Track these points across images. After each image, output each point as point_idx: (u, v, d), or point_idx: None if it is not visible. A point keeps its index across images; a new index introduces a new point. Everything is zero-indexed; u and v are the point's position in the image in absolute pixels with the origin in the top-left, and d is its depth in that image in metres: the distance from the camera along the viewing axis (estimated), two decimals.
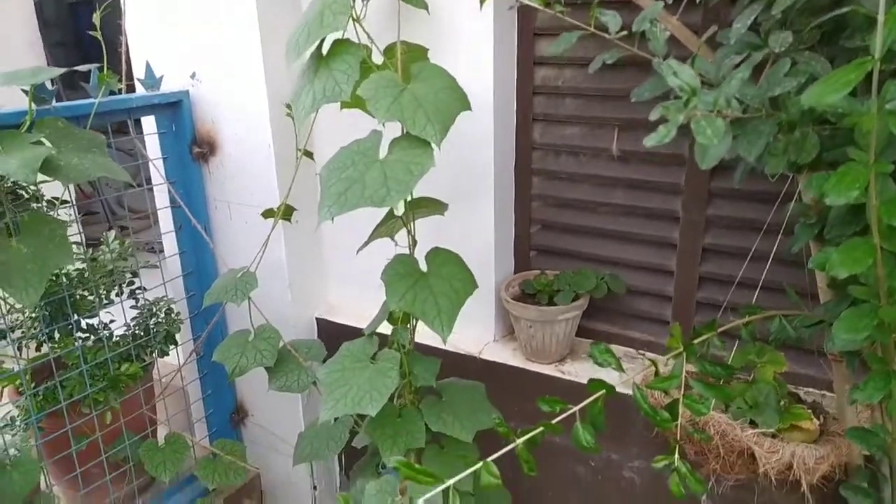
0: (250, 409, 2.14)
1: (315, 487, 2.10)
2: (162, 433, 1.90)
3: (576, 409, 1.04)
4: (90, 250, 1.84)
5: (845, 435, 1.15)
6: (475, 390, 1.57)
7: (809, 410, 1.25)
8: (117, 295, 1.84)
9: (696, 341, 1.06)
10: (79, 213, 1.85)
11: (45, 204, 1.67)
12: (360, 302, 1.98)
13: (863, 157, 0.86)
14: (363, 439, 1.58)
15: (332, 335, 1.94)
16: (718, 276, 1.56)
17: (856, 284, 0.97)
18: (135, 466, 1.83)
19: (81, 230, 1.75)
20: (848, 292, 1.10)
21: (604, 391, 1.01)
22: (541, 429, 1.01)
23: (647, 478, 1.64)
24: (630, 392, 1.59)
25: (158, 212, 1.95)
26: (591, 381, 0.99)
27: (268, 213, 1.69)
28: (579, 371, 1.68)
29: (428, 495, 0.98)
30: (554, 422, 1.00)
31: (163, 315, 1.87)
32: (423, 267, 1.37)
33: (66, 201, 1.70)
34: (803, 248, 1.28)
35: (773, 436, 1.21)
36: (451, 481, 1.00)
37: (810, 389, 1.48)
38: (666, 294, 1.66)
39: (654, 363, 1.04)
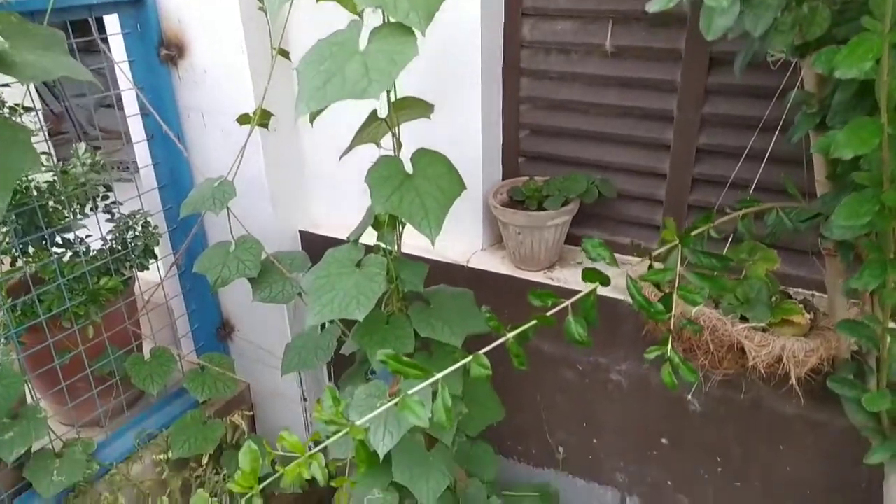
0: (236, 323, 2.12)
1: (305, 399, 2.12)
2: (148, 349, 1.89)
3: (568, 302, 1.02)
4: (60, 163, 1.76)
5: (835, 328, 1.15)
6: (464, 297, 1.55)
7: (801, 305, 1.25)
8: (92, 209, 1.78)
9: (692, 233, 1.03)
10: (50, 135, 1.76)
11: (6, 110, 1.58)
12: (344, 214, 1.92)
13: (877, 26, 0.80)
14: (351, 346, 1.57)
15: (317, 248, 1.90)
16: (712, 177, 1.52)
17: (858, 171, 0.94)
18: (122, 381, 1.82)
19: (48, 138, 1.66)
20: (847, 183, 1.07)
21: (598, 283, 0.99)
22: (533, 322, 0.99)
23: (633, 380, 1.66)
24: (619, 297, 1.58)
25: (128, 120, 1.86)
26: (586, 270, 0.96)
27: (243, 119, 1.61)
28: (568, 278, 1.67)
29: (417, 388, 0.97)
30: (547, 314, 0.98)
31: (140, 228, 1.81)
32: (409, 169, 1.32)
33: (29, 108, 1.61)
34: (802, 143, 1.24)
35: (764, 330, 1.21)
36: (440, 374, 0.99)
37: (800, 290, 1.48)
38: (657, 198, 1.62)
39: (649, 254, 1.01)
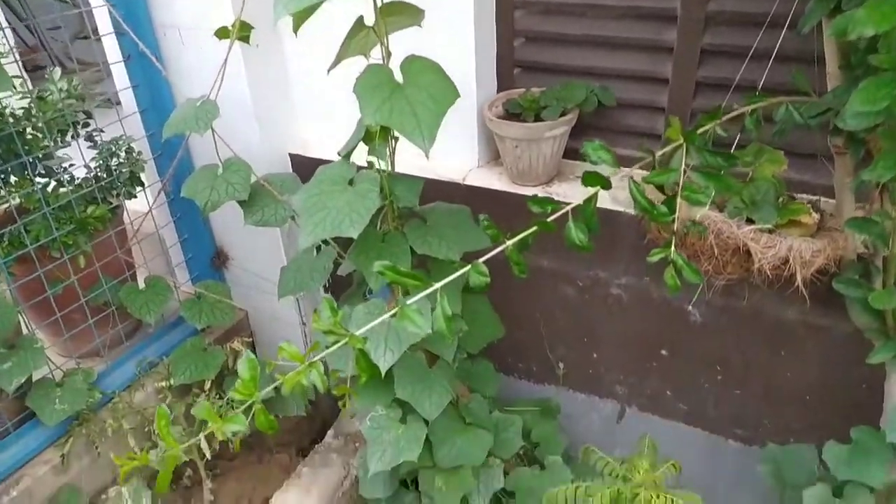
0: (230, 252, 2.09)
1: (304, 323, 2.11)
2: (142, 279, 1.86)
3: (568, 207, 0.98)
4: (36, 89, 1.69)
5: (844, 227, 1.12)
6: (460, 213, 1.51)
7: (808, 205, 1.21)
8: (73, 137, 1.71)
9: (698, 131, 0.98)
10: (25, 69, 1.67)
11: None
12: (336, 136, 1.85)
13: None
14: (347, 266, 1.54)
15: (308, 171, 1.83)
16: (717, 80, 1.45)
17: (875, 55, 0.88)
18: (118, 311, 1.81)
19: (19, 58, 1.58)
20: (860, 74, 1.02)
21: (599, 187, 0.95)
22: (533, 228, 0.96)
23: (633, 293, 1.64)
24: (619, 209, 1.55)
25: (104, 43, 1.76)
26: (587, 174, 0.92)
27: (221, 33, 1.52)
28: (567, 192, 1.62)
29: (416, 297, 0.95)
30: (548, 220, 0.94)
31: (124, 155, 1.75)
32: (399, 78, 1.25)
33: None
34: (812, 38, 1.18)
35: (770, 231, 1.18)
36: (439, 284, 0.96)
37: (805, 195, 1.44)
38: (658, 105, 1.56)
39: (650, 153, 0.97)
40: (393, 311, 1.00)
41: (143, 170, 1.80)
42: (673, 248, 0.95)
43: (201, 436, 1.97)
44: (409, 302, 1.00)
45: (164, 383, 1.85)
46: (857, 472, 1.29)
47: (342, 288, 1.69)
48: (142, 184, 1.81)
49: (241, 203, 1.59)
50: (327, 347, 1.01)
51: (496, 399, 1.86)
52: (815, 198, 1.42)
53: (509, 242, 0.98)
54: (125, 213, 1.84)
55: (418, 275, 1.00)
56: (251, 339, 2.13)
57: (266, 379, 1.03)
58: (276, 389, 1.01)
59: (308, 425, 2.27)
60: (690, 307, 1.58)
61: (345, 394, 1.37)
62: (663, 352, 1.69)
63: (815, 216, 1.21)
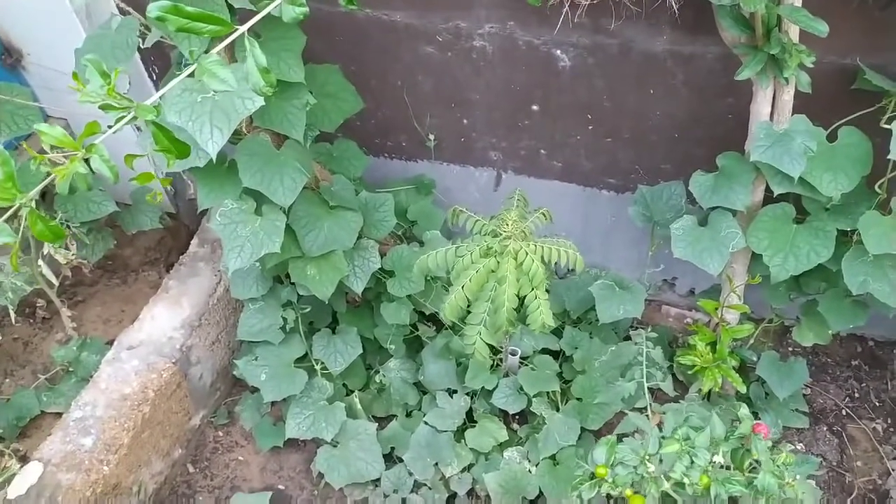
0: (23, 46, 1.71)
1: (139, 129, 1.83)
2: None
3: None
4: None
5: None
6: None
7: None
8: None
9: None
10: None
11: None
12: None
13: None
14: (154, 36, 1.26)
15: None
16: None
17: None
18: None
19: None
20: None
21: None
22: None
23: (498, 42, 1.48)
24: None
25: None
26: None
27: None
28: None
29: (219, 46, 0.74)
30: None
31: None
32: None
33: None
34: None
35: None
36: (244, 27, 0.75)
37: None
38: None
39: None
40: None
41: None
42: None
43: (41, 261, 1.77)
44: (211, 52, 0.80)
45: None
46: (722, 198, 1.30)
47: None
48: None
49: None
50: (109, 127, 0.81)
51: (366, 181, 1.74)
52: None
53: None
54: None
55: (215, 16, 0.79)
56: None
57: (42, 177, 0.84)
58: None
59: (173, 240, 2.10)
60: (559, 52, 1.45)
61: (147, 181, 1.13)
62: (534, 107, 1.59)
63: None
